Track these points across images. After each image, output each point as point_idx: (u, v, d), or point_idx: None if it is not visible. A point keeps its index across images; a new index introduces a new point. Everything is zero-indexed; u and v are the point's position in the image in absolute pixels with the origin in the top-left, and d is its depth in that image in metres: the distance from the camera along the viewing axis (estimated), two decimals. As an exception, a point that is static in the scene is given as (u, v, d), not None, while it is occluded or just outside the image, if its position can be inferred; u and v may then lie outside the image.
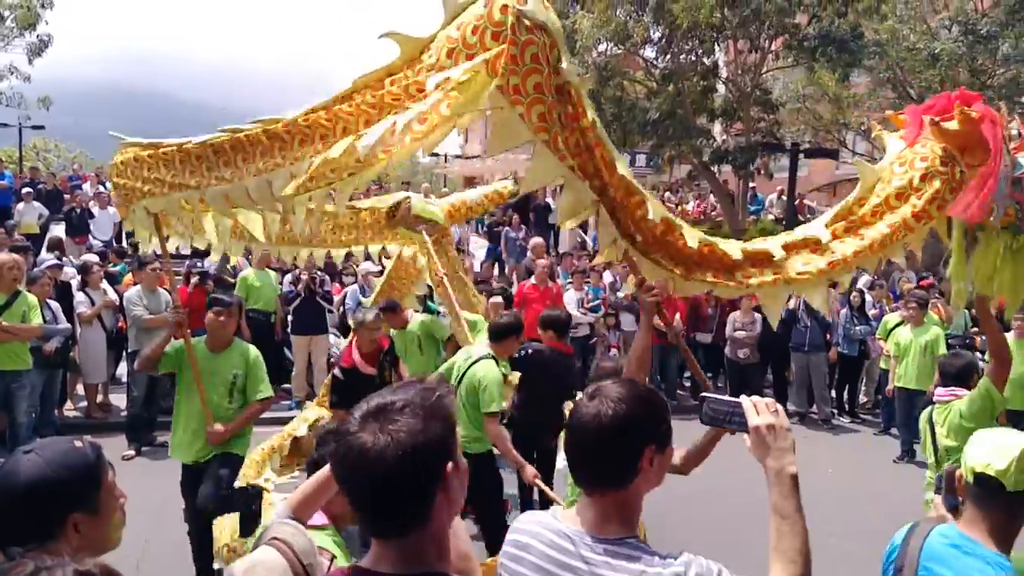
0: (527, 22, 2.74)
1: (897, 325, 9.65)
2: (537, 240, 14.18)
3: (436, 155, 45.69)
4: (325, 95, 3.17)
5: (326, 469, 2.21)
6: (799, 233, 3.48)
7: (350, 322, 7.40)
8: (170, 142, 3.93)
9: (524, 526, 1.88)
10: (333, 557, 2.42)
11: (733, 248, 3.35)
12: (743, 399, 1.88)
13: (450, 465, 1.40)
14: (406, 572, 1.39)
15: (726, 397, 1.94)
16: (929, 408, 4.98)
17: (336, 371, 6.71)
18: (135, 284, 9.06)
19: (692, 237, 3.26)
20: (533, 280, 10.97)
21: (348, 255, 12.56)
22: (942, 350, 8.63)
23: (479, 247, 18.75)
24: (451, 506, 1.43)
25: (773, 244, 3.41)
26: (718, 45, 19.21)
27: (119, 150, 4.27)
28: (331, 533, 2.62)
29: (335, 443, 1.42)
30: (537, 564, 1.77)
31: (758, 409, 1.85)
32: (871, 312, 11.08)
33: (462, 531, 2.04)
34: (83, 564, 1.37)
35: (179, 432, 5.39)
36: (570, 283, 11.91)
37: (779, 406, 1.88)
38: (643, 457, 1.75)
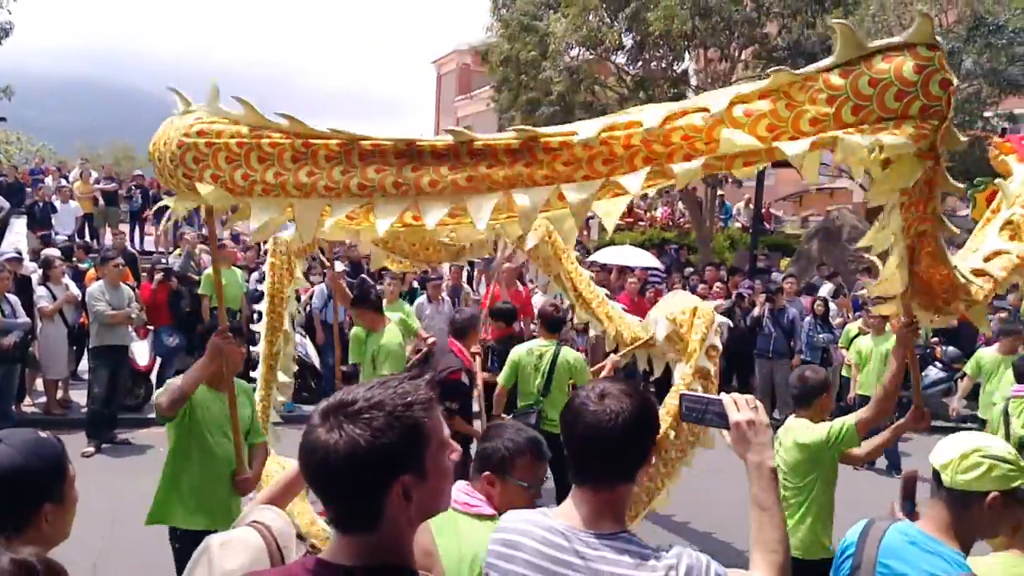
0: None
1: (859, 334, 9.83)
2: (506, 243, 14.10)
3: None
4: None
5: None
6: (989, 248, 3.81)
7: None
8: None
9: (511, 525, 1.90)
10: None
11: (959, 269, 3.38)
12: (724, 396, 1.96)
13: (407, 477, 1.37)
14: (363, 564, 1.40)
15: (705, 394, 2.03)
16: (1005, 402, 5.74)
17: (463, 377, 6.29)
18: (98, 279, 8.93)
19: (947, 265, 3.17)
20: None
21: (314, 257, 12.45)
22: None
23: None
24: (411, 514, 1.41)
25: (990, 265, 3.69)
26: (688, 53, 19.40)
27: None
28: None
29: (304, 434, 1.42)
30: (530, 561, 1.79)
31: (739, 405, 1.94)
32: (835, 321, 11.24)
33: (426, 526, 2.06)
34: (18, 553, 1.36)
35: (184, 491, 4.16)
36: (537, 287, 11.94)
37: (759, 403, 1.96)
38: (651, 450, 1.86)
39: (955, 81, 2.43)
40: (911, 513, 2.61)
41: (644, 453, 1.84)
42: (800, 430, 4.15)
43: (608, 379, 1.98)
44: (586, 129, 2.61)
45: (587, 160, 2.60)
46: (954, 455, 2.19)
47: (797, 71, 2.46)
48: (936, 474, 2.22)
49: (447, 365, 6.17)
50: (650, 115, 2.57)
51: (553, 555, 1.77)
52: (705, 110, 2.50)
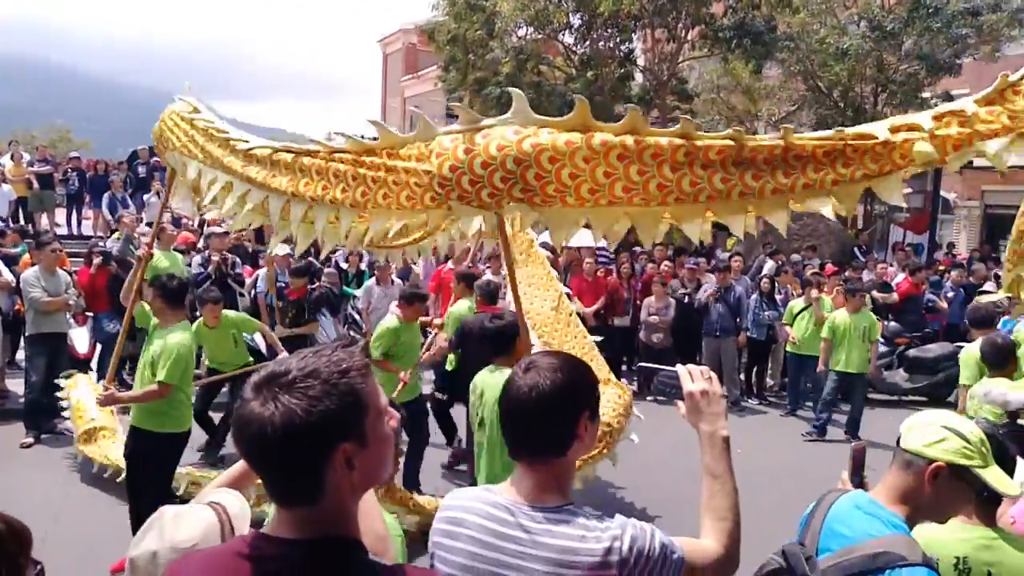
0: None
1: (803, 310, 10.08)
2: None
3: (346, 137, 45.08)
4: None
5: None
6: None
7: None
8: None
9: (456, 502, 1.89)
10: None
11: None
12: (679, 367, 2.01)
13: (348, 445, 1.34)
14: (305, 538, 1.37)
15: (661, 365, 2.10)
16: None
17: None
18: (33, 265, 8.65)
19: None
20: (450, 264, 10.95)
21: (261, 238, 12.25)
22: (877, 335, 9.37)
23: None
24: (354, 482, 1.38)
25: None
26: (635, 33, 19.45)
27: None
28: None
29: (236, 409, 1.39)
30: (474, 537, 1.78)
31: (692, 376, 1.98)
32: (778, 297, 11.44)
33: (377, 511, 2.05)
34: None
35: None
36: (488, 267, 11.92)
37: (712, 374, 1.99)
38: (579, 424, 1.81)
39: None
40: (861, 484, 2.65)
41: (571, 428, 1.81)
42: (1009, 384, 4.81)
43: (550, 351, 1.95)
44: (880, 130, 3.19)
45: (887, 155, 3.17)
46: (917, 422, 2.22)
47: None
48: (898, 440, 2.24)
49: None
50: (923, 117, 3.21)
51: (498, 530, 1.76)
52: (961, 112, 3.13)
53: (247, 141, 4.48)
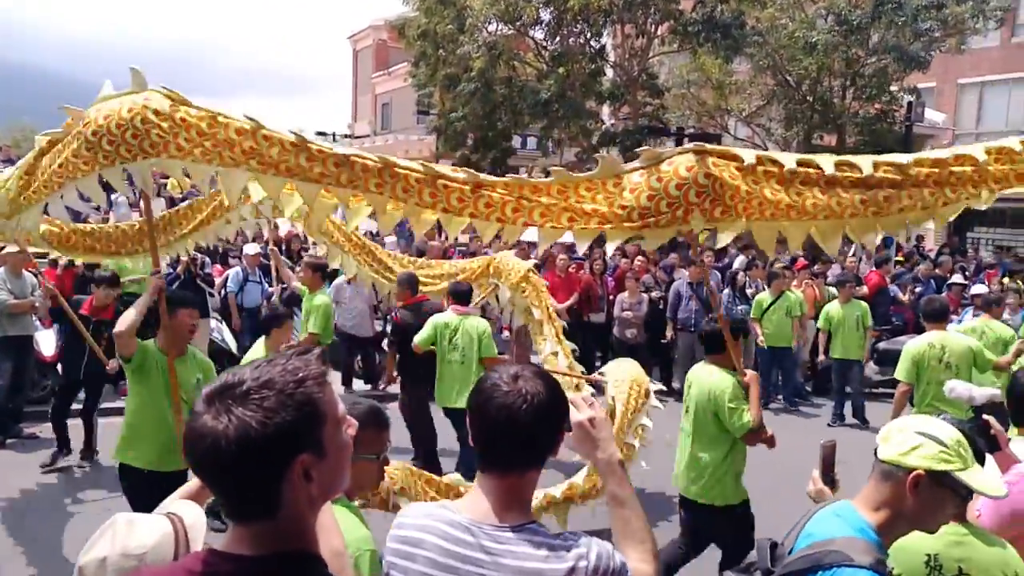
0: None
1: (772, 304, 10.28)
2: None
3: (323, 134, 44.81)
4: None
5: None
6: None
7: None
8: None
9: (411, 520, 1.82)
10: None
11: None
12: None
13: (306, 456, 1.30)
14: (262, 553, 1.33)
15: None
16: None
17: None
18: (-3, 267, 8.48)
19: None
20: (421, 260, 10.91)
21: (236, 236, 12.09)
22: (869, 322, 10.01)
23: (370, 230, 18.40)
24: (312, 494, 1.34)
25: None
26: (606, 29, 19.48)
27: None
28: (344, 504, 2.46)
29: (186, 424, 1.33)
30: (433, 559, 1.72)
31: (578, 405, 1.89)
32: (749, 292, 11.51)
33: (333, 525, 1.99)
34: None
35: (147, 438, 4.71)
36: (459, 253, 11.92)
37: (594, 400, 1.92)
38: (561, 435, 1.80)
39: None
40: (832, 482, 2.65)
41: (554, 438, 1.79)
42: None
43: (520, 364, 1.89)
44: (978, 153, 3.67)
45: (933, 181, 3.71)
46: (892, 430, 2.16)
47: None
48: (875, 451, 2.19)
49: None
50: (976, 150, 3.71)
51: (458, 552, 1.70)
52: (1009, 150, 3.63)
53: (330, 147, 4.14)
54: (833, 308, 9.98)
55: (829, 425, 9.80)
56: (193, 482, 2.36)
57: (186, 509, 2.08)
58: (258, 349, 5.86)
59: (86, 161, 4.21)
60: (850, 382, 9.97)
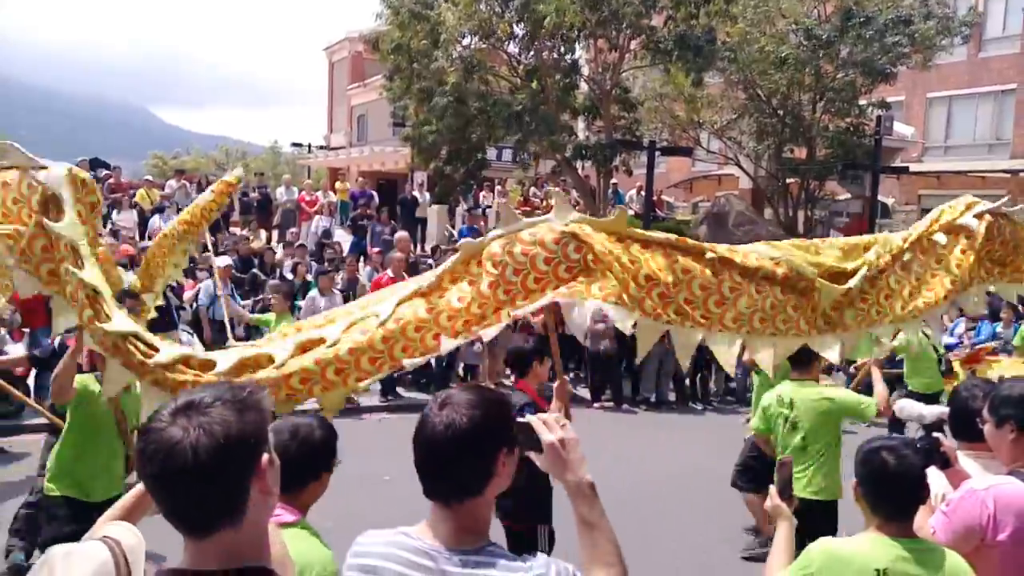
0: None
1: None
2: (402, 234, 14.07)
3: (299, 145, 44.57)
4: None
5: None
6: None
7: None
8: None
9: (369, 548, 1.80)
10: None
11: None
12: (530, 418, 1.86)
13: (265, 457, 1.38)
14: (224, 568, 1.34)
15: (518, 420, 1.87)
16: None
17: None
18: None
19: None
20: (389, 272, 10.94)
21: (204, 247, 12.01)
22: None
23: (344, 241, 18.35)
24: (267, 499, 1.41)
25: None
26: (579, 43, 19.59)
27: None
28: (304, 526, 2.47)
29: (142, 441, 1.36)
30: None
31: (549, 426, 1.83)
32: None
33: (278, 536, 1.98)
34: None
35: (87, 469, 4.54)
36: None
37: (566, 420, 1.87)
38: (497, 461, 1.75)
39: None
40: (789, 498, 2.72)
41: (488, 467, 1.73)
42: None
43: (466, 385, 1.87)
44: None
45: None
46: None
47: None
48: None
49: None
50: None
51: None
52: None
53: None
54: None
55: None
56: (126, 499, 2.27)
57: (121, 530, 2.01)
58: None
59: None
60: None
